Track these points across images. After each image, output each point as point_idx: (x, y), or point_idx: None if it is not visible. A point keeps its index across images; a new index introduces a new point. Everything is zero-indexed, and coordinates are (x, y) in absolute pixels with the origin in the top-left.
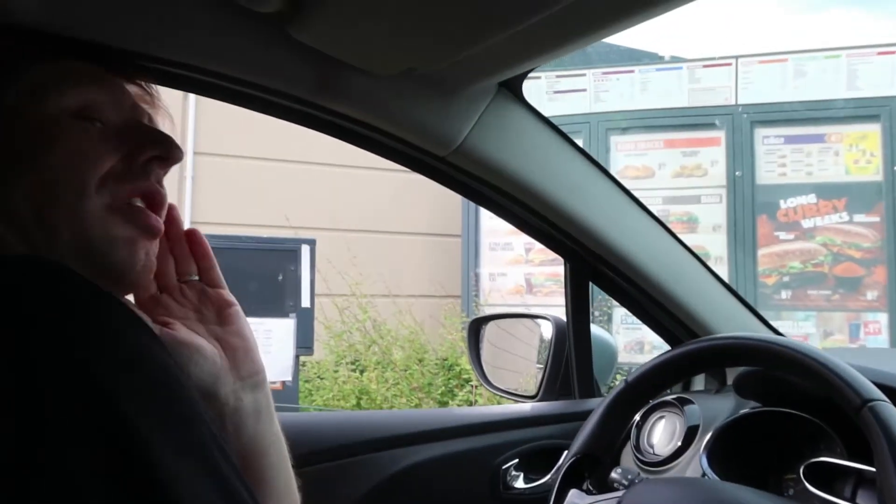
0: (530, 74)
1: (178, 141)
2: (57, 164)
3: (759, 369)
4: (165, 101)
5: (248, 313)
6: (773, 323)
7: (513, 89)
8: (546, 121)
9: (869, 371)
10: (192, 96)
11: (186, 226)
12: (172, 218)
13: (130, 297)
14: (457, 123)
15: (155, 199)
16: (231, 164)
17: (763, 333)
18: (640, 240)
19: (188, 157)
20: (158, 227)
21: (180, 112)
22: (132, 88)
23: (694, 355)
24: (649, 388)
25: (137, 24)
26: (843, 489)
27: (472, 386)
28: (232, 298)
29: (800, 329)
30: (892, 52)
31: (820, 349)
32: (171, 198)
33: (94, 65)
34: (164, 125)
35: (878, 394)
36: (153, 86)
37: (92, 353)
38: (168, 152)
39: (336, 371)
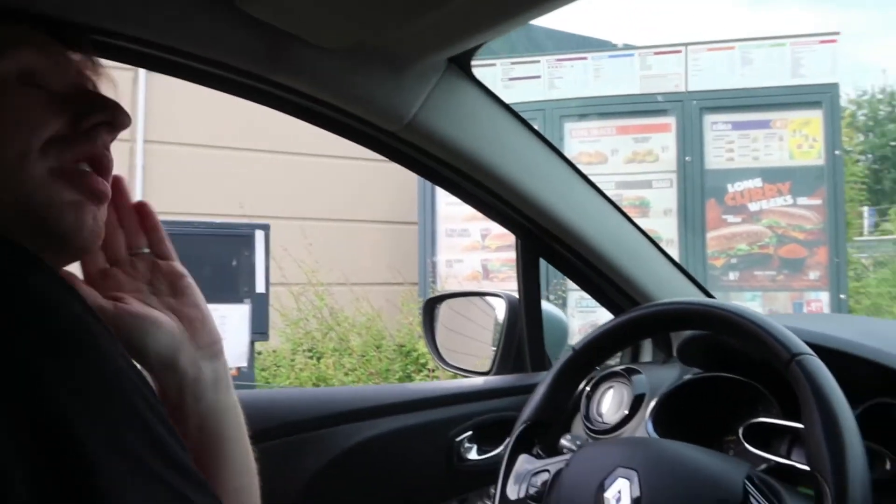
0: (485, 61)
1: (129, 128)
2: None
3: (700, 336)
4: (116, 89)
5: None
6: None
7: (462, 65)
8: (496, 98)
9: (799, 331)
10: (141, 83)
11: None
12: (120, 189)
13: (79, 271)
14: (407, 99)
15: (101, 163)
16: (183, 153)
17: (702, 298)
18: (587, 215)
19: (138, 146)
20: (105, 192)
21: (129, 99)
22: (75, 56)
23: (636, 321)
24: (596, 354)
25: None
26: (779, 447)
27: (429, 370)
28: (184, 270)
29: None
30: (833, 41)
31: (752, 309)
32: None
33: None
34: (108, 93)
35: (806, 348)
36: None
37: (14, 326)
38: (115, 118)
39: (293, 359)
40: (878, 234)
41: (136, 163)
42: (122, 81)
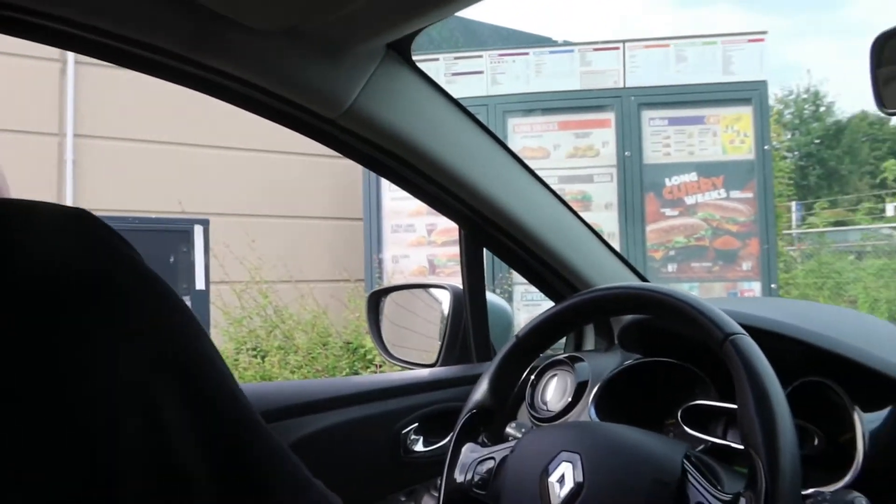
0: (428, 56)
1: (56, 121)
2: None
3: (639, 322)
4: (43, 81)
5: None
6: None
7: (401, 52)
8: (436, 86)
9: (732, 313)
10: (70, 75)
11: None
12: None
13: None
14: (345, 85)
15: None
16: (116, 147)
17: (638, 282)
18: (529, 204)
19: (68, 140)
20: None
21: (58, 92)
22: None
23: (576, 307)
24: (538, 341)
25: None
26: (716, 429)
27: (376, 366)
28: None
29: None
30: (761, 40)
31: (687, 292)
32: (50, 183)
33: None
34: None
35: (738, 328)
36: None
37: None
38: None
39: (237, 358)
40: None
41: (65, 158)
42: (49, 73)
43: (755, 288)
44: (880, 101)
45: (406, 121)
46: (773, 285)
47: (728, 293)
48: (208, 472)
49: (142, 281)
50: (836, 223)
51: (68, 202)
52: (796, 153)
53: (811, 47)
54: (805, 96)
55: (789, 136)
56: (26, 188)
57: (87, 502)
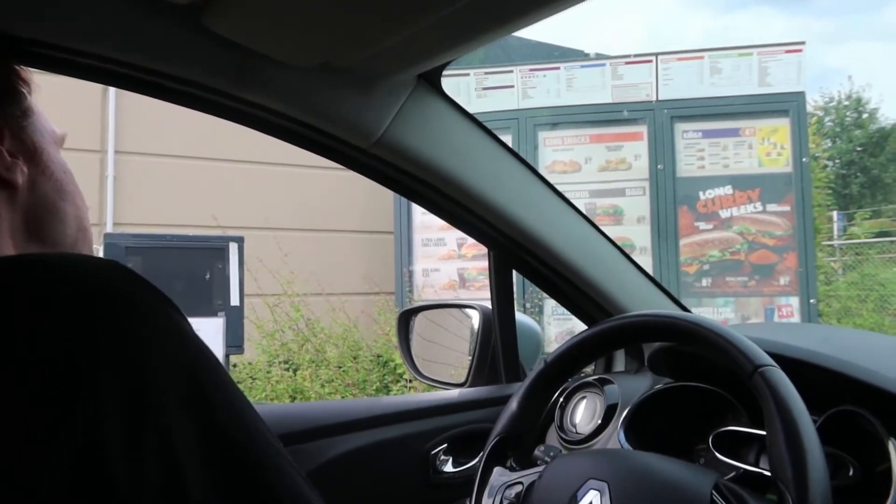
0: (459, 71)
1: (98, 138)
2: None
3: (670, 346)
4: (85, 99)
5: None
6: (695, 309)
7: (432, 81)
8: (465, 113)
9: (761, 341)
10: (111, 94)
11: (109, 228)
12: None
13: None
14: (377, 115)
15: None
16: (154, 164)
17: (668, 310)
18: (557, 227)
19: (109, 156)
20: None
21: (100, 110)
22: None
23: (604, 334)
24: (567, 366)
25: (49, 13)
26: (748, 455)
27: (406, 380)
28: None
29: (719, 314)
30: (799, 51)
31: (717, 322)
32: (91, 198)
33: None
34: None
35: (768, 360)
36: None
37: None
38: None
39: (269, 371)
40: (846, 238)
41: (106, 174)
42: (92, 92)
43: (793, 303)
44: None
45: (436, 148)
46: (811, 300)
47: (765, 308)
48: None
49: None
50: (880, 234)
51: (109, 217)
52: (837, 161)
53: (853, 52)
54: (846, 103)
55: (830, 144)
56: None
57: None
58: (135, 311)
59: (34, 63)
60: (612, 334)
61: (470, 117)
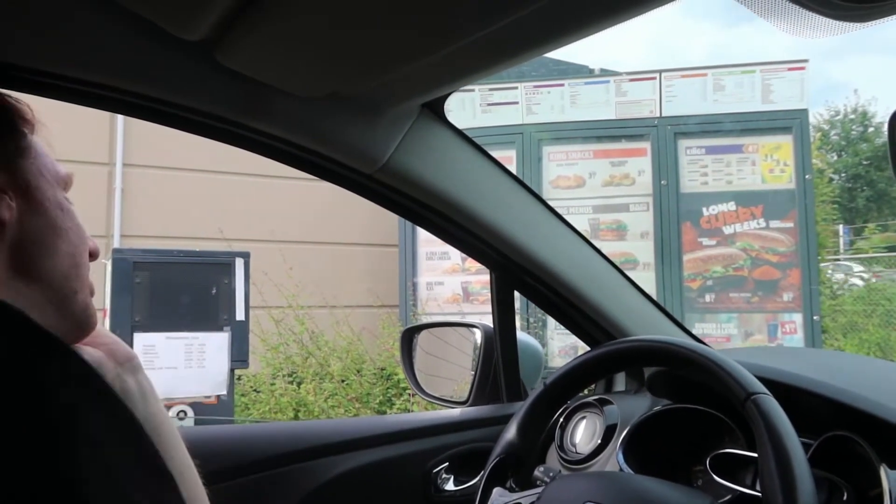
0: (463, 88)
1: (106, 151)
2: None
3: (667, 369)
4: (94, 112)
5: (181, 327)
6: (698, 325)
7: (435, 110)
8: (467, 138)
9: (754, 367)
10: None
11: (116, 239)
12: None
13: None
14: (381, 143)
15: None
16: (162, 176)
17: (665, 336)
18: (559, 249)
19: (117, 169)
20: None
21: (108, 123)
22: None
23: (603, 358)
24: (565, 389)
25: (64, 46)
26: (744, 477)
27: (409, 394)
28: None
29: (723, 330)
30: (801, 69)
31: (712, 349)
32: (99, 210)
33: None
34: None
35: (760, 387)
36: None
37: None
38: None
39: (273, 384)
40: (852, 253)
41: (114, 186)
42: None
43: (796, 319)
44: None
45: (439, 173)
46: (815, 317)
47: (768, 324)
48: None
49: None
50: (887, 248)
51: (116, 229)
52: (843, 175)
53: (859, 65)
54: (852, 116)
55: (836, 158)
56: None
57: None
58: None
59: (56, 93)
60: (610, 358)
61: (472, 143)
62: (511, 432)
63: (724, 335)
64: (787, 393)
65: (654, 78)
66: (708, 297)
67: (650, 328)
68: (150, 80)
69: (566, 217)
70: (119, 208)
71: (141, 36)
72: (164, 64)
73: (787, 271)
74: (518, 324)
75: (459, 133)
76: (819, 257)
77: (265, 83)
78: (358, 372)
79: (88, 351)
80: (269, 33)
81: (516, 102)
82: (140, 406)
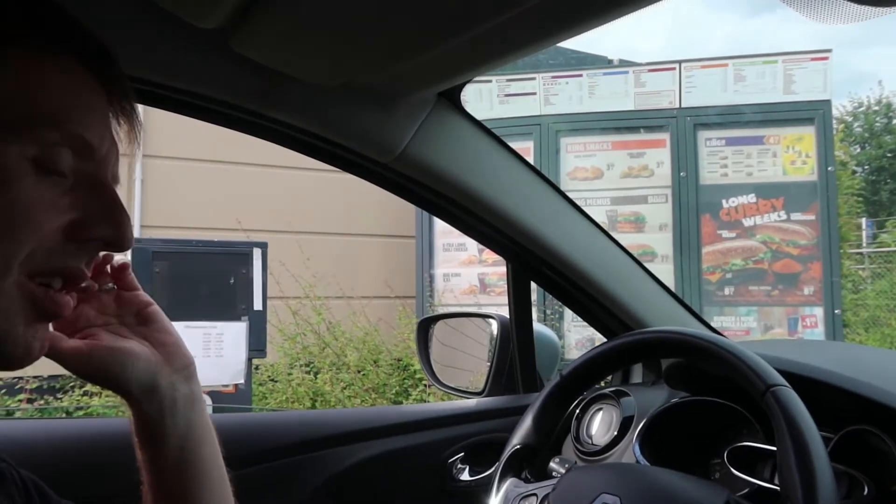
0: (481, 78)
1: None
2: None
3: (685, 361)
4: None
5: (200, 317)
6: (717, 318)
7: (451, 99)
8: (484, 128)
9: (774, 359)
10: None
11: (136, 230)
12: None
13: None
14: (398, 132)
15: (74, 278)
16: (181, 167)
17: (683, 327)
18: (576, 240)
19: (137, 160)
20: (59, 311)
21: None
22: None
23: (621, 349)
24: (582, 380)
25: None
26: (763, 470)
27: (425, 385)
28: (148, 298)
29: (742, 323)
30: (824, 59)
31: (731, 340)
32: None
33: None
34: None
35: (780, 379)
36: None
37: None
38: (116, 238)
39: (290, 373)
40: (876, 246)
41: (134, 177)
42: None
43: (817, 313)
44: None
45: (456, 163)
46: (836, 311)
47: (788, 318)
48: None
49: None
50: None
51: (136, 219)
52: (867, 167)
53: (884, 56)
54: (876, 108)
55: (859, 150)
56: None
57: None
58: None
59: None
60: (627, 350)
61: (488, 132)
62: (527, 423)
63: (743, 328)
64: (808, 386)
65: (673, 68)
66: (727, 290)
67: (668, 320)
68: (166, 68)
69: (584, 209)
70: (139, 199)
71: (156, 24)
72: (179, 52)
73: (808, 264)
74: (535, 316)
75: (476, 122)
76: (841, 251)
77: (281, 72)
78: (374, 362)
79: (147, 355)
80: (284, 21)
81: (534, 93)
82: (188, 414)
